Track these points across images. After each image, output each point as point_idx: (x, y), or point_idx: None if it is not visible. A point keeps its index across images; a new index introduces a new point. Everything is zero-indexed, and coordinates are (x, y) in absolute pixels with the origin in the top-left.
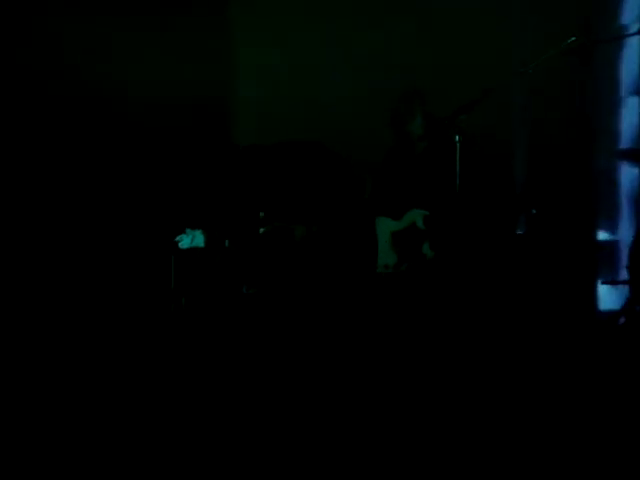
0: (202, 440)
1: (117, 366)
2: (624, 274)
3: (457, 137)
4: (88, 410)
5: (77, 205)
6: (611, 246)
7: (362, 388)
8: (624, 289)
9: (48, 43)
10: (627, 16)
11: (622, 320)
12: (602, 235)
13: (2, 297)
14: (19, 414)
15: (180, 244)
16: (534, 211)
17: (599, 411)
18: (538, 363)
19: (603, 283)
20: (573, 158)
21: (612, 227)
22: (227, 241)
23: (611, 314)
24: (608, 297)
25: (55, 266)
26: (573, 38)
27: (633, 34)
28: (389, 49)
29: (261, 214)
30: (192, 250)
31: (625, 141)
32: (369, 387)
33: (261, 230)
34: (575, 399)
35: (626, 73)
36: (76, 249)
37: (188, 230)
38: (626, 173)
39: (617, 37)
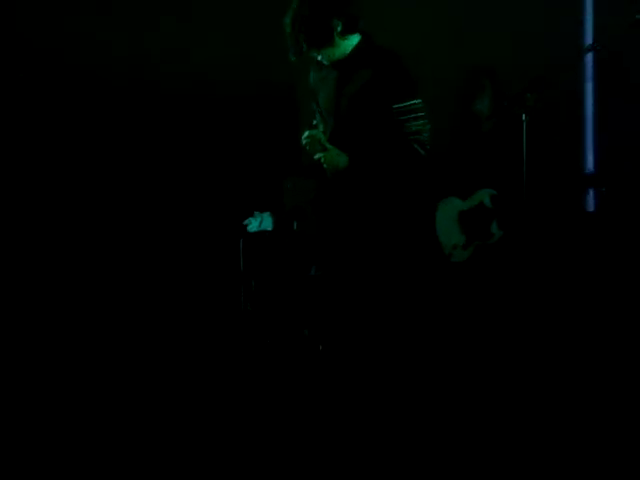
0: (273, 426)
1: (189, 349)
2: None
3: (524, 116)
4: (156, 392)
5: (151, 191)
6: None
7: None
8: None
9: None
10: None
11: None
12: None
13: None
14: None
15: (248, 227)
16: (604, 189)
17: None
18: (614, 347)
19: None
20: None
21: None
22: (295, 224)
23: None
24: None
25: (129, 250)
26: None
27: None
28: (450, 23)
29: (289, 185)
30: (260, 233)
31: None
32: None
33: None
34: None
35: None
36: (149, 234)
37: (256, 213)
38: None
39: None
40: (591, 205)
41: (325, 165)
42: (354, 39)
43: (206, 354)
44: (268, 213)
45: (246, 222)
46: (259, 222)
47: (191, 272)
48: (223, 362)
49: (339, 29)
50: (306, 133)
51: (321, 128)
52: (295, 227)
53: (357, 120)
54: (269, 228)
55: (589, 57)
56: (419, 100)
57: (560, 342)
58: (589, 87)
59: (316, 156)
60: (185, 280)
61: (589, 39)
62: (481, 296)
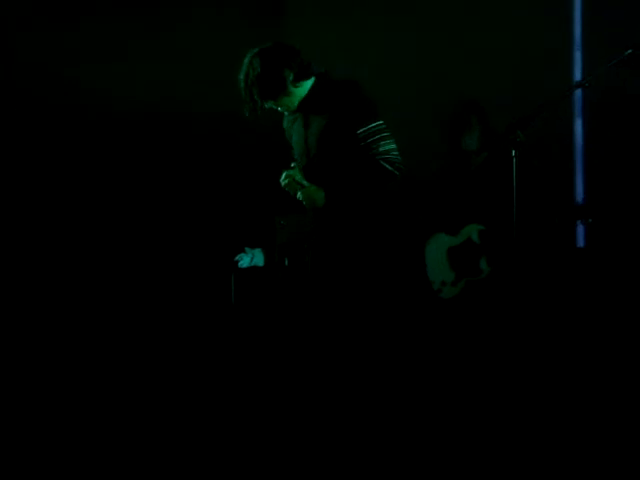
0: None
1: (179, 384)
2: None
3: (513, 152)
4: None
5: (142, 226)
6: None
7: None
8: None
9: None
10: None
11: None
12: None
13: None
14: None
15: (240, 263)
16: (590, 220)
17: None
18: (601, 382)
19: None
20: (633, 168)
21: None
22: (286, 260)
23: None
24: None
25: (117, 290)
26: (630, 50)
27: None
28: (441, 60)
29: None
30: (252, 269)
31: None
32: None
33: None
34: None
35: None
36: (140, 270)
37: (247, 249)
38: None
39: None
40: (581, 240)
41: (304, 202)
42: (308, 83)
43: (197, 388)
44: (259, 249)
45: (237, 258)
46: (250, 258)
47: (182, 307)
48: (212, 397)
49: (291, 78)
50: (283, 174)
51: (297, 169)
52: (287, 263)
53: (327, 154)
54: (260, 264)
55: (578, 93)
56: (381, 121)
57: (552, 377)
58: (578, 123)
59: (297, 195)
60: (176, 314)
61: (578, 76)
62: (471, 332)
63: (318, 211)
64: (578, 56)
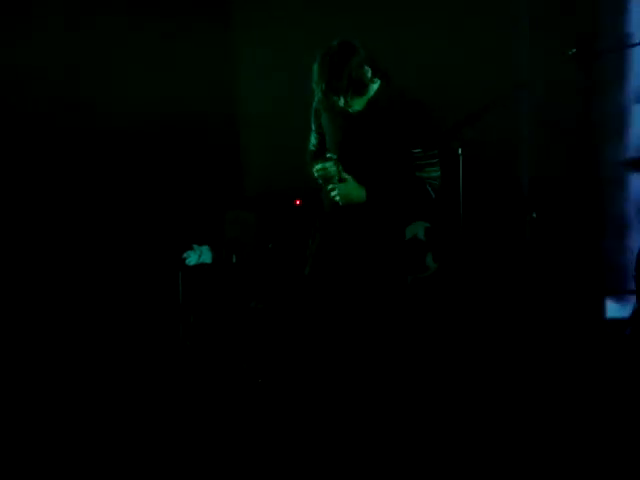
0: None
1: (125, 383)
2: (632, 284)
3: (459, 149)
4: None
5: (87, 223)
6: (619, 255)
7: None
8: (631, 298)
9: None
10: (634, 24)
11: (629, 330)
12: (609, 243)
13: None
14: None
15: (187, 261)
16: (534, 215)
17: (603, 422)
18: (543, 372)
19: (610, 293)
20: (579, 166)
21: (620, 235)
22: (234, 257)
23: (618, 323)
24: (615, 306)
25: (62, 283)
26: (574, 50)
27: (636, 44)
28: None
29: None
30: (199, 266)
31: (633, 149)
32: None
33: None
34: (579, 409)
35: (634, 80)
36: (85, 265)
37: (195, 246)
38: (635, 181)
39: (620, 47)
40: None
41: (337, 195)
42: (377, 82)
43: (144, 389)
44: (207, 246)
45: (185, 255)
46: (198, 255)
47: (128, 306)
48: (162, 397)
49: (369, 75)
50: (319, 164)
51: (335, 160)
52: (234, 260)
53: (374, 158)
54: (208, 261)
55: (524, 92)
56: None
57: (491, 370)
58: (524, 121)
59: (330, 187)
60: (122, 314)
61: (525, 74)
62: (417, 327)
63: (350, 209)
64: (525, 53)
